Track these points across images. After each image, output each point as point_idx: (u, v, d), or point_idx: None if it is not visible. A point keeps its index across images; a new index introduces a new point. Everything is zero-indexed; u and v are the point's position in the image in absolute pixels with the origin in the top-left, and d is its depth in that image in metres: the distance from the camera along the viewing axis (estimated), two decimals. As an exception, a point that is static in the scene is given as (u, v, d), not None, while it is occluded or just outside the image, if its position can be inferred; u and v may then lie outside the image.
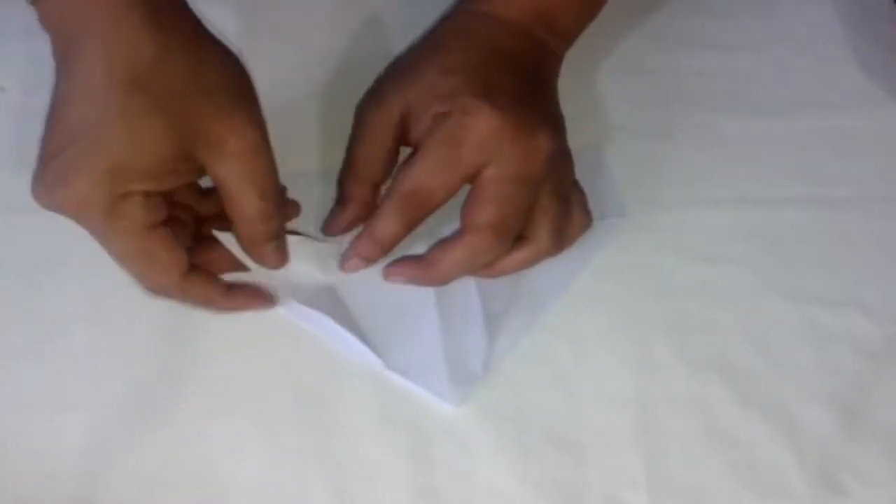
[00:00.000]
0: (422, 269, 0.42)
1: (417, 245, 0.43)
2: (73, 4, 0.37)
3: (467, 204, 0.40)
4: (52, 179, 0.36)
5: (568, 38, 0.47)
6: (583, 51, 0.48)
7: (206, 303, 0.40)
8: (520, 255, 0.42)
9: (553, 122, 0.42)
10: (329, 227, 0.43)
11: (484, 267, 0.42)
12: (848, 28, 0.55)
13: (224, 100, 0.37)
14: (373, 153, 0.42)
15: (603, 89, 0.52)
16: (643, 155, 0.50)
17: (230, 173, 0.38)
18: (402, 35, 0.48)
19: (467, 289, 0.44)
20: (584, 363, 0.43)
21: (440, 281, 0.42)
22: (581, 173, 0.43)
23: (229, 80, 0.38)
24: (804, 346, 0.44)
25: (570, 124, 0.43)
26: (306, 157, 0.48)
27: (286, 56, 0.52)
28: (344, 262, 0.42)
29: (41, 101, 0.49)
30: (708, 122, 0.51)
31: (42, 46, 0.53)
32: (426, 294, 0.43)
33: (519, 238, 0.41)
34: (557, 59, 0.46)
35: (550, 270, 0.44)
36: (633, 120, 0.51)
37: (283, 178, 0.44)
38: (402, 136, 0.42)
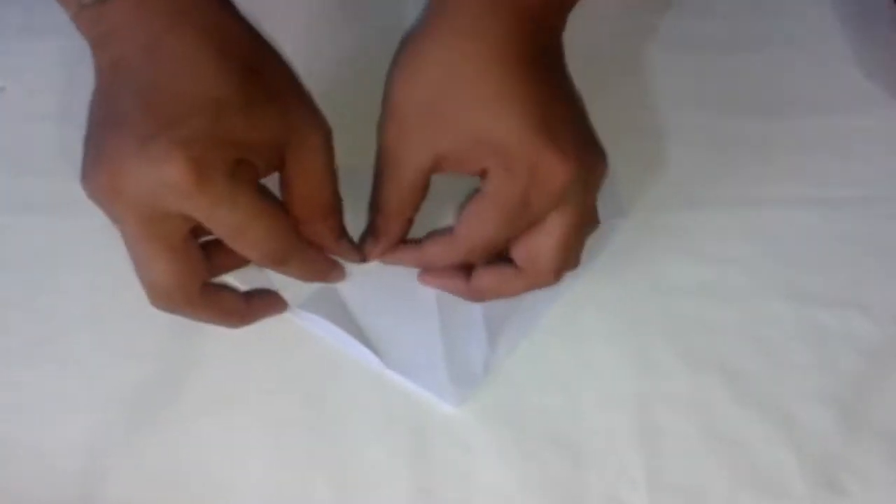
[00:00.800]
0: (467, 288, 0.42)
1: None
2: (151, 4, 0.37)
3: (526, 244, 0.39)
4: (162, 150, 0.34)
5: (569, 9, 0.42)
6: (582, 51, 0.48)
7: (312, 269, 0.41)
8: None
9: (595, 138, 0.41)
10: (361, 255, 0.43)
11: None
12: (848, 28, 0.55)
13: (309, 99, 0.40)
14: (403, 194, 0.41)
15: (602, 89, 0.52)
16: (643, 155, 0.50)
17: (315, 168, 0.39)
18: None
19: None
20: (583, 363, 0.43)
21: (480, 300, 0.42)
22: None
23: (299, 81, 0.40)
24: (804, 346, 0.44)
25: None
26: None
27: (288, 56, 0.52)
28: (384, 258, 0.43)
29: (40, 102, 0.50)
30: (708, 122, 0.51)
31: (42, 47, 0.53)
32: (427, 295, 0.43)
33: None
34: (560, 36, 0.42)
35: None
36: (633, 120, 0.51)
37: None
38: (435, 170, 0.40)
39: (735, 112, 0.52)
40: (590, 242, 0.44)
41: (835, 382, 0.43)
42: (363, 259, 0.42)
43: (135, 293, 0.40)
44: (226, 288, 0.41)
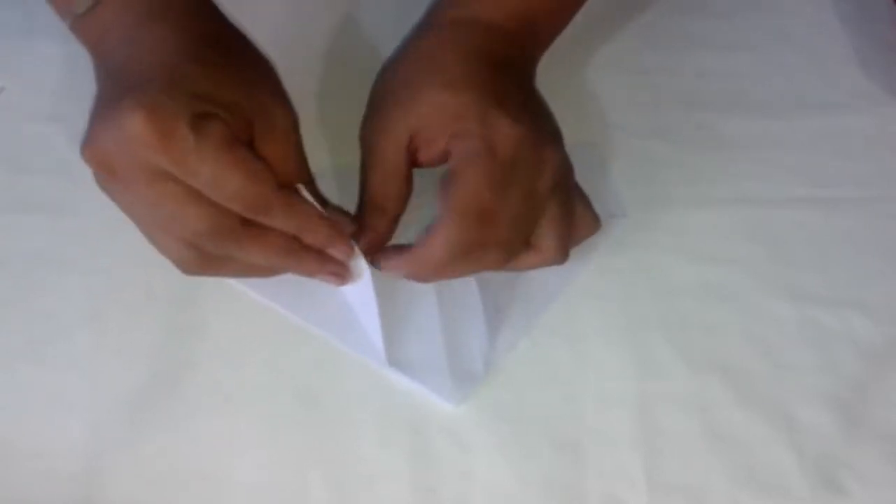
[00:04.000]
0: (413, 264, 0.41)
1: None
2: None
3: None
4: (130, 106, 0.35)
5: (546, 43, 0.47)
6: (583, 51, 0.49)
7: (305, 221, 0.39)
8: (525, 261, 0.41)
9: (556, 132, 0.43)
10: None
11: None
12: (848, 28, 0.55)
13: (279, 87, 0.41)
14: (388, 184, 0.42)
15: (602, 89, 0.52)
16: (643, 155, 0.50)
17: (283, 144, 0.39)
18: (401, 35, 0.48)
19: (468, 288, 0.44)
20: (583, 363, 0.43)
21: (434, 281, 0.42)
22: (581, 173, 0.43)
23: (271, 68, 0.42)
24: (804, 346, 0.44)
25: (569, 124, 0.43)
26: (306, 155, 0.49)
27: (285, 56, 0.52)
28: (384, 268, 0.41)
29: (40, 101, 0.50)
30: (707, 122, 0.51)
31: (42, 47, 0.53)
32: (427, 293, 0.43)
33: (526, 245, 0.41)
34: (535, 65, 0.46)
35: (550, 270, 0.43)
36: (632, 120, 0.51)
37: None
38: (412, 160, 0.42)
39: (735, 112, 0.52)
40: (590, 242, 0.44)
41: (835, 382, 0.43)
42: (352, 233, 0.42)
43: (133, 293, 0.40)
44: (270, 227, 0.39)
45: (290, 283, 0.42)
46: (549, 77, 0.47)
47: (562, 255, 0.42)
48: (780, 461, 0.41)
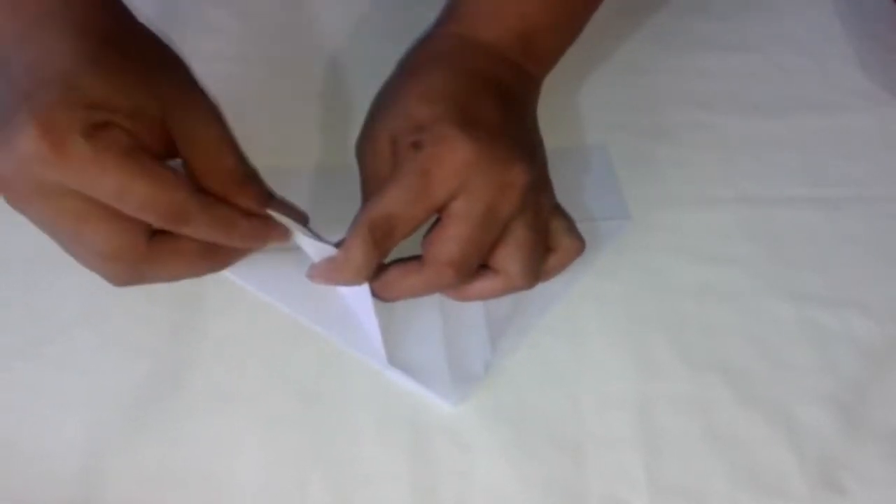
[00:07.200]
0: (376, 285, 0.41)
1: None
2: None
3: (432, 235, 0.39)
4: (20, 121, 0.33)
5: (547, 61, 0.46)
6: (583, 51, 0.48)
7: (228, 226, 0.38)
8: (489, 285, 0.41)
9: (529, 152, 0.41)
10: None
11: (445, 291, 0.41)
12: (848, 28, 0.55)
13: (190, 79, 0.40)
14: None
15: (604, 89, 0.52)
16: (643, 155, 0.50)
17: (207, 138, 0.38)
18: (401, 35, 0.48)
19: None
20: (584, 363, 0.43)
21: (392, 300, 0.42)
22: (583, 173, 0.44)
23: (180, 63, 0.40)
24: (804, 347, 0.44)
25: (570, 124, 0.43)
26: (307, 155, 0.49)
27: (286, 56, 0.52)
28: (311, 275, 0.41)
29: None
30: (708, 122, 0.51)
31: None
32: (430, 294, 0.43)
33: (488, 268, 0.41)
34: (536, 84, 0.45)
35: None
36: (633, 120, 0.51)
37: (284, 175, 0.44)
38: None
39: (735, 112, 0.52)
40: (594, 243, 0.44)
41: (835, 382, 0.43)
42: (306, 219, 0.41)
43: (133, 293, 0.40)
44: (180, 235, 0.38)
45: (293, 282, 0.42)
46: (550, 78, 0.47)
47: (528, 281, 0.41)
48: (780, 461, 0.41)
